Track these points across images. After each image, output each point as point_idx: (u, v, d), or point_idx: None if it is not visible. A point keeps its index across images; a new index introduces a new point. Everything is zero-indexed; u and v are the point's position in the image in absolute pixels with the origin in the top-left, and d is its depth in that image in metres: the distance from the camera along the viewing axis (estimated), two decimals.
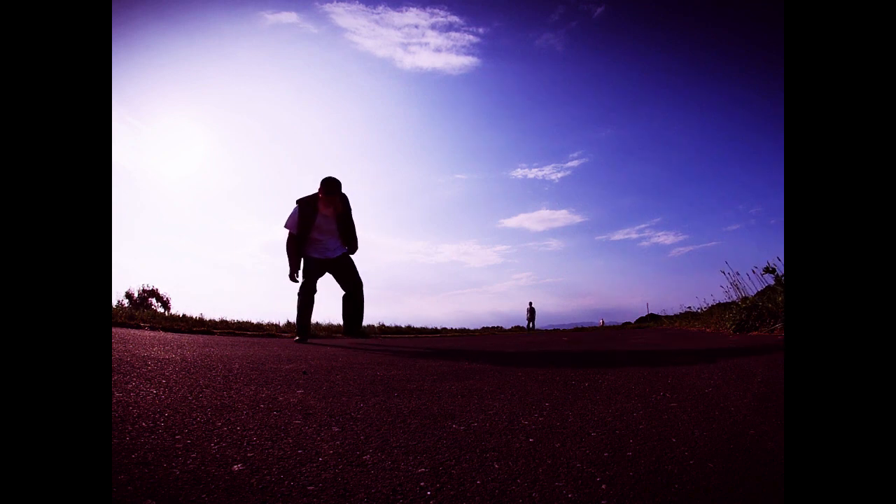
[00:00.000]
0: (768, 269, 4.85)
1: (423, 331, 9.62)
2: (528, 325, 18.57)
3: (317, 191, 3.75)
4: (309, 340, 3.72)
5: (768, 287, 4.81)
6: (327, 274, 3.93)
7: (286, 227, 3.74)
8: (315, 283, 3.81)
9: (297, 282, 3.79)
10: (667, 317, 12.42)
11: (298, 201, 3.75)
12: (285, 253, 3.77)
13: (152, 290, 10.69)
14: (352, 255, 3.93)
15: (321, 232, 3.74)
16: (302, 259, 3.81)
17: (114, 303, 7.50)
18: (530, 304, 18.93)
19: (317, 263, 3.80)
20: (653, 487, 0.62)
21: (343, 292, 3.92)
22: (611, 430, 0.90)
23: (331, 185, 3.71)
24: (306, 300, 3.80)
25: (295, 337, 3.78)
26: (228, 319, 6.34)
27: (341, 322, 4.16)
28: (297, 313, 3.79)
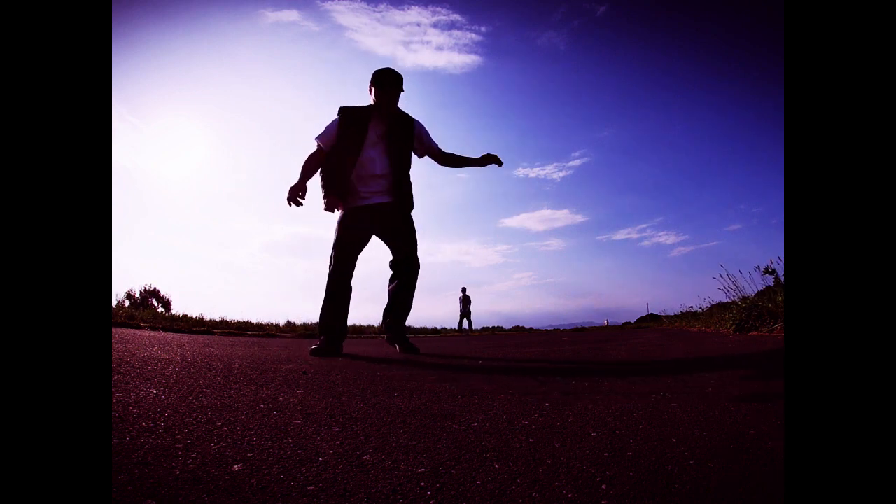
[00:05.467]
0: (768, 271, 4.86)
1: (422, 331, 9.62)
2: (461, 321, 13.08)
3: (371, 98, 2.38)
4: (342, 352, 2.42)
5: (768, 287, 4.82)
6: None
7: (317, 139, 2.40)
8: (355, 255, 2.42)
9: (298, 202, 2.32)
10: (667, 317, 12.42)
11: (342, 109, 2.42)
12: (300, 169, 2.37)
13: (153, 290, 10.70)
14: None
15: (370, 161, 2.38)
16: (336, 204, 2.40)
17: (114, 303, 7.51)
18: (464, 291, 13.28)
19: (364, 215, 2.39)
20: (653, 487, 0.62)
21: (394, 264, 2.56)
22: (611, 430, 0.90)
23: (388, 82, 2.33)
24: (336, 288, 2.37)
25: (312, 346, 2.47)
26: (228, 319, 6.36)
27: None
28: (324, 307, 2.37)
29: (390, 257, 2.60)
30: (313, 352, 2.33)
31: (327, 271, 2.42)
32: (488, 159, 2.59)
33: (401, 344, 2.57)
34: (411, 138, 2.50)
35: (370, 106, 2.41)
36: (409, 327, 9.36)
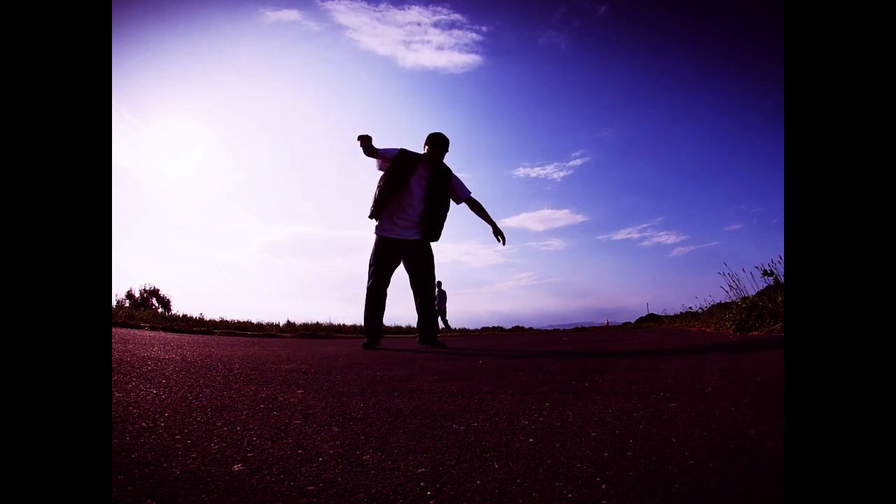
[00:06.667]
0: (767, 273, 4.85)
1: None
2: (439, 319, 11.30)
3: (424, 150, 3.22)
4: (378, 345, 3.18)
5: (768, 287, 4.81)
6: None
7: (380, 149, 3.13)
8: (389, 276, 3.23)
9: (365, 139, 3.07)
10: (667, 317, 12.41)
11: (403, 150, 3.20)
12: (366, 152, 3.11)
13: (153, 290, 10.71)
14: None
15: (403, 203, 3.17)
16: (376, 228, 3.21)
17: (114, 303, 7.51)
18: (439, 285, 11.77)
19: (392, 248, 3.18)
20: (653, 487, 0.62)
21: (414, 292, 3.32)
22: (611, 430, 0.90)
23: (439, 144, 3.16)
24: (377, 300, 3.19)
25: (364, 340, 3.23)
26: (228, 319, 6.35)
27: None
28: (365, 313, 3.22)
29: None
30: (364, 346, 3.11)
31: (367, 285, 3.20)
32: (498, 232, 3.35)
33: (431, 344, 3.27)
34: (448, 186, 3.29)
35: (422, 155, 3.22)
36: (410, 327, 9.56)
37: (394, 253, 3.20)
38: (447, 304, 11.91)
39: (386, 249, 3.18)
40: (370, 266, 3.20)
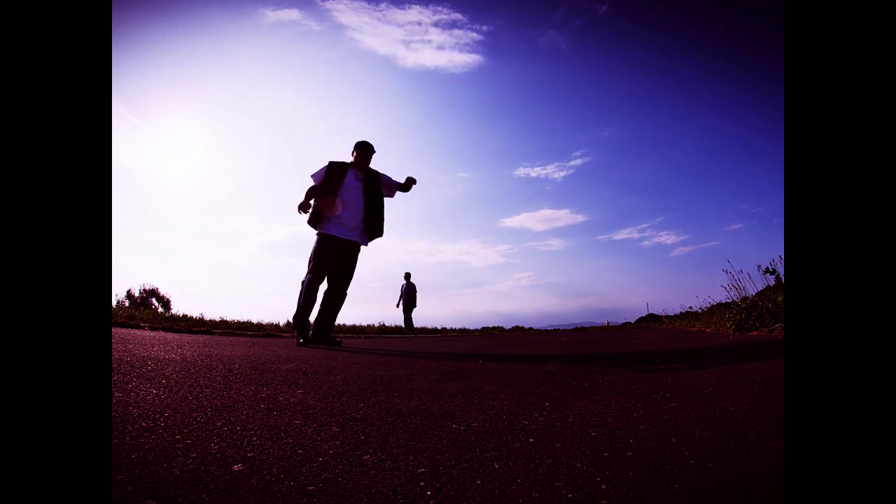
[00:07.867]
0: (769, 271, 4.86)
1: (422, 331, 9.62)
2: (407, 317, 10.23)
3: (351, 157, 3.54)
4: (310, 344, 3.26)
5: (768, 287, 4.82)
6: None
7: (312, 177, 3.47)
8: (326, 274, 3.35)
9: (304, 212, 3.36)
10: (667, 317, 12.40)
11: (331, 162, 3.49)
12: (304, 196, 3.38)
13: (153, 289, 10.69)
14: (371, 242, 3.56)
15: (345, 203, 3.37)
16: (317, 229, 3.37)
17: (114, 303, 7.51)
18: (407, 277, 10.55)
19: (334, 244, 3.32)
20: (653, 487, 0.62)
21: (328, 284, 3.45)
22: (611, 430, 0.90)
23: (366, 148, 3.48)
24: (314, 296, 3.34)
25: (299, 339, 3.33)
26: (228, 319, 6.34)
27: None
28: (300, 310, 3.34)
29: (331, 273, 3.53)
30: (301, 344, 3.14)
31: (304, 280, 3.33)
32: (409, 181, 3.63)
33: (326, 342, 3.36)
34: (380, 186, 3.55)
35: (350, 162, 3.52)
36: (397, 327, 9.59)
37: (335, 249, 3.33)
38: (416, 298, 10.51)
39: (330, 246, 3.31)
40: (311, 262, 3.32)
